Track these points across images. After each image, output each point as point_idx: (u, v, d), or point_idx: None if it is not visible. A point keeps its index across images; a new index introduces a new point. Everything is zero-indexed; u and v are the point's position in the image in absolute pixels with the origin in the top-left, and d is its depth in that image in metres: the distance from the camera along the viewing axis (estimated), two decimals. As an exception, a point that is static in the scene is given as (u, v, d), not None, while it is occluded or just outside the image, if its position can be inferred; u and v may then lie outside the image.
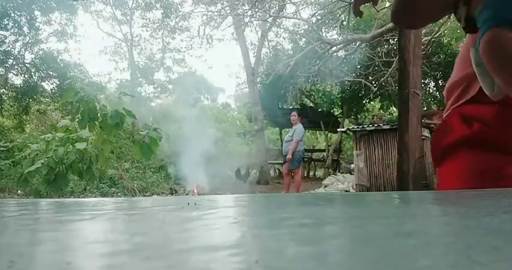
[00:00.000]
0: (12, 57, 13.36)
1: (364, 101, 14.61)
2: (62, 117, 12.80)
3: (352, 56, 11.53)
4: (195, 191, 8.95)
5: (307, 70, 10.62)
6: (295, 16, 11.58)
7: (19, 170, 4.03)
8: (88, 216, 0.47)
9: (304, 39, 12.15)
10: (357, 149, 8.93)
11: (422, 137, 6.72)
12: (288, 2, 11.00)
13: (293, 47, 13.59)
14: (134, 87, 16.89)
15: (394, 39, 10.32)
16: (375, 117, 11.64)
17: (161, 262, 0.22)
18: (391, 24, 7.52)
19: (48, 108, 14.93)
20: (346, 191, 8.57)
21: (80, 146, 3.67)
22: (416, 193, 0.77)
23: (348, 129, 9.96)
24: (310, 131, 16.91)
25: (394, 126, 7.63)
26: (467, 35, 0.89)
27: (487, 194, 0.64)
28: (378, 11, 8.35)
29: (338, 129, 11.65)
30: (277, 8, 11.59)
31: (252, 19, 11.41)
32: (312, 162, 14.41)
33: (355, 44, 9.10)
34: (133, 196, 7.83)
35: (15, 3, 12.41)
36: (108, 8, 16.99)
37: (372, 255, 0.24)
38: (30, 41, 13.64)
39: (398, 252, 0.25)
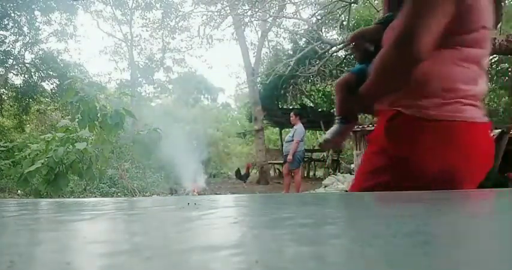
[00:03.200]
0: (12, 57, 13.35)
1: (364, 101, 14.59)
2: (62, 117, 12.77)
3: (352, 56, 11.50)
4: (195, 191, 8.95)
5: (307, 70, 10.59)
6: (295, 16, 11.56)
7: (19, 170, 4.03)
8: (88, 216, 0.47)
9: (304, 39, 12.13)
10: (357, 149, 8.93)
11: (422, 137, 6.71)
12: (288, 2, 10.98)
13: (293, 47, 13.57)
14: (134, 87, 16.86)
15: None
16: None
17: (161, 262, 0.22)
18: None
19: (48, 108, 14.91)
20: (346, 191, 8.55)
21: (80, 146, 3.67)
22: (416, 193, 0.77)
23: (348, 129, 9.92)
24: (310, 131, 16.87)
25: (394, 126, 7.60)
26: None
27: (484, 194, 0.64)
28: (378, 11, 8.35)
29: (338, 129, 11.59)
30: (277, 8, 11.56)
31: (252, 19, 11.39)
32: (312, 162, 14.39)
33: (355, 44, 9.08)
34: (133, 196, 7.82)
35: (15, 3, 12.40)
36: (108, 8, 16.97)
37: (372, 255, 0.24)
38: (30, 41, 13.62)
39: (398, 252, 0.25)
